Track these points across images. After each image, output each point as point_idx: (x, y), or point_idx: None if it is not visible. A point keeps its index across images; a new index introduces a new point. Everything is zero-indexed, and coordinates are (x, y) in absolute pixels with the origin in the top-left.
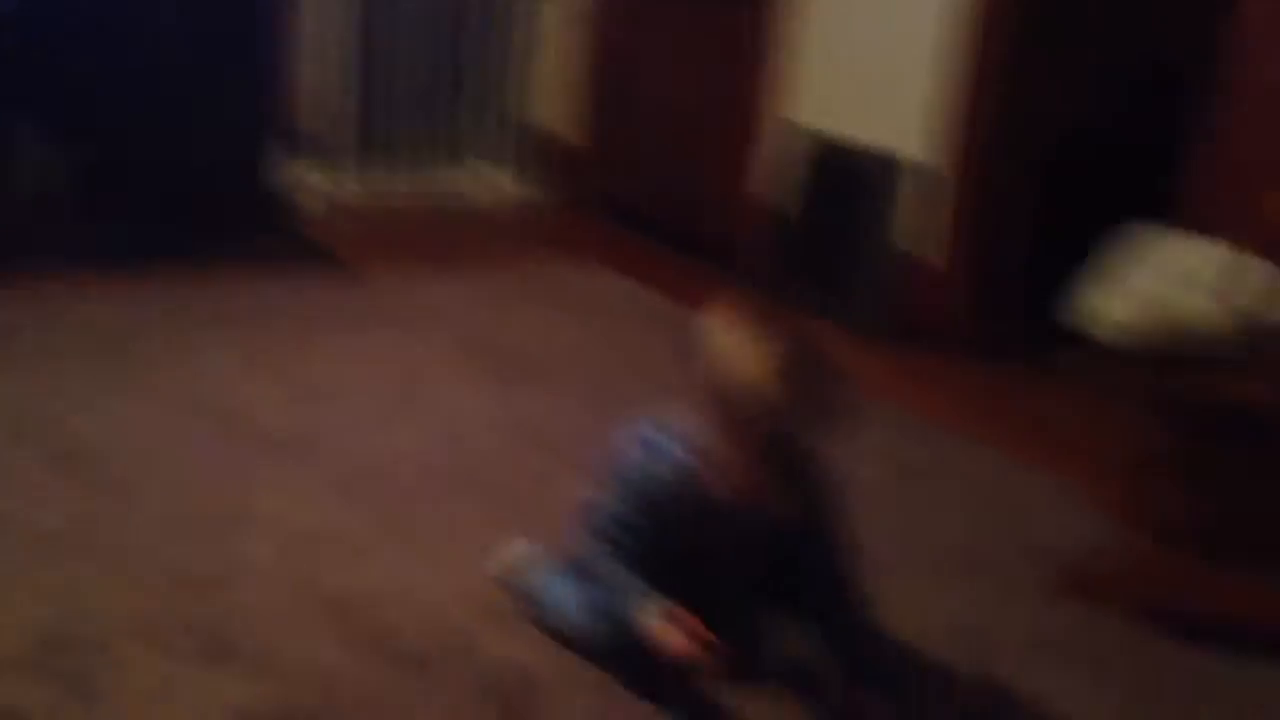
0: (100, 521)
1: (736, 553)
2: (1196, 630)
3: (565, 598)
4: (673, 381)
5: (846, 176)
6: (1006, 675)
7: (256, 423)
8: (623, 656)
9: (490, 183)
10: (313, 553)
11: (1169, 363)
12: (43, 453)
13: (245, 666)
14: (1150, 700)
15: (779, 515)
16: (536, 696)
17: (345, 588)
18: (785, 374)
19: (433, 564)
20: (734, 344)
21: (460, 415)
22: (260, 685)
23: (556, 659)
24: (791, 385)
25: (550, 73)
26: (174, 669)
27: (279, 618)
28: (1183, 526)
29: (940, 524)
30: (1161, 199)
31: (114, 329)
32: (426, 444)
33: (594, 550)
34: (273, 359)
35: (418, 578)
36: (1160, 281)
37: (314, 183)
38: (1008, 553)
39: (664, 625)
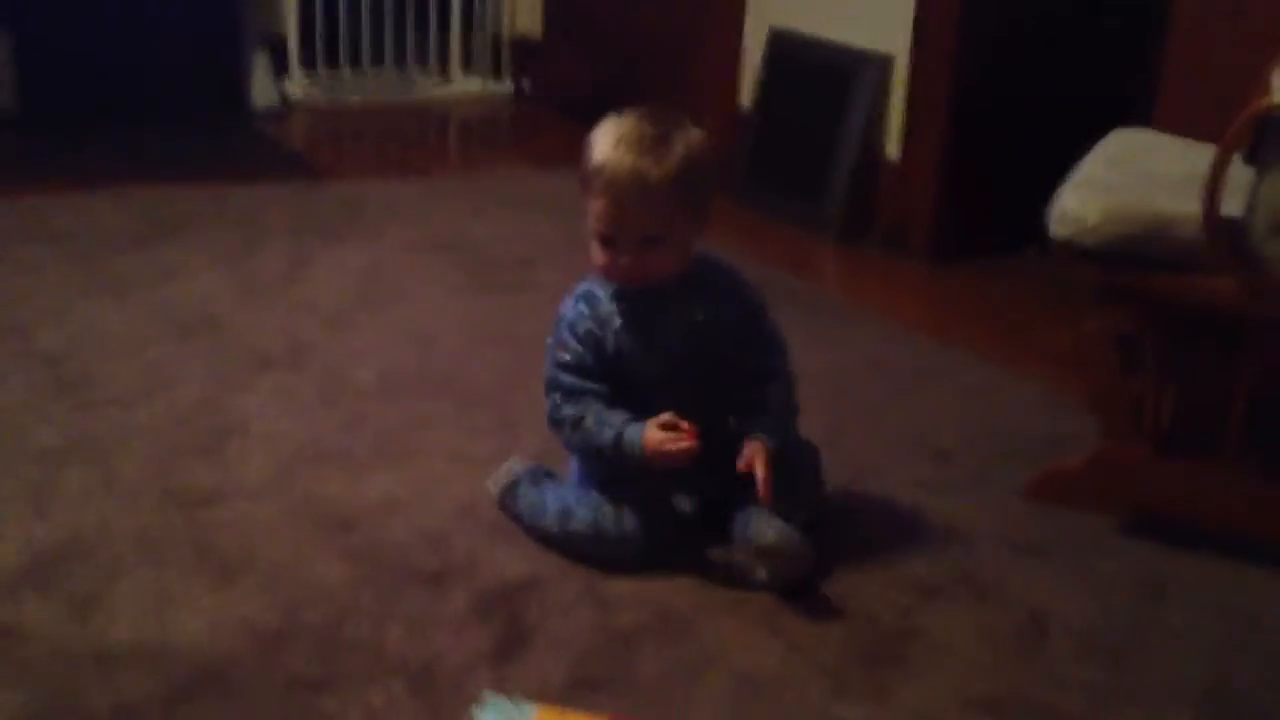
0: (93, 436)
1: (667, 352)
2: (1169, 528)
3: (559, 499)
4: None
5: (808, 74)
6: (985, 575)
7: (234, 332)
8: (617, 534)
9: (460, 87)
10: (308, 468)
11: (1141, 263)
12: (26, 364)
13: (248, 581)
14: (1124, 598)
15: (671, 282)
16: (541, 609)
17: (344, 503)
18: (635, 143)
19: (429, 479)
20: (603, 129)
21: (433, 318)
22: (265, 599)
23: (559, 571)
24: (640, 152)
25: None
26: (176, 584)
27: (280, 533)
28: (1152, 426)
29: (913, 427)
30: (1138, 99)
31: (83, 238)
32: (401, 351)
33: (568, 410)
34: (246, 266)
35: (414, 492)
36: (1134, 181)
37: (281, 87)
38: (982, 453)
39: (661, 434)
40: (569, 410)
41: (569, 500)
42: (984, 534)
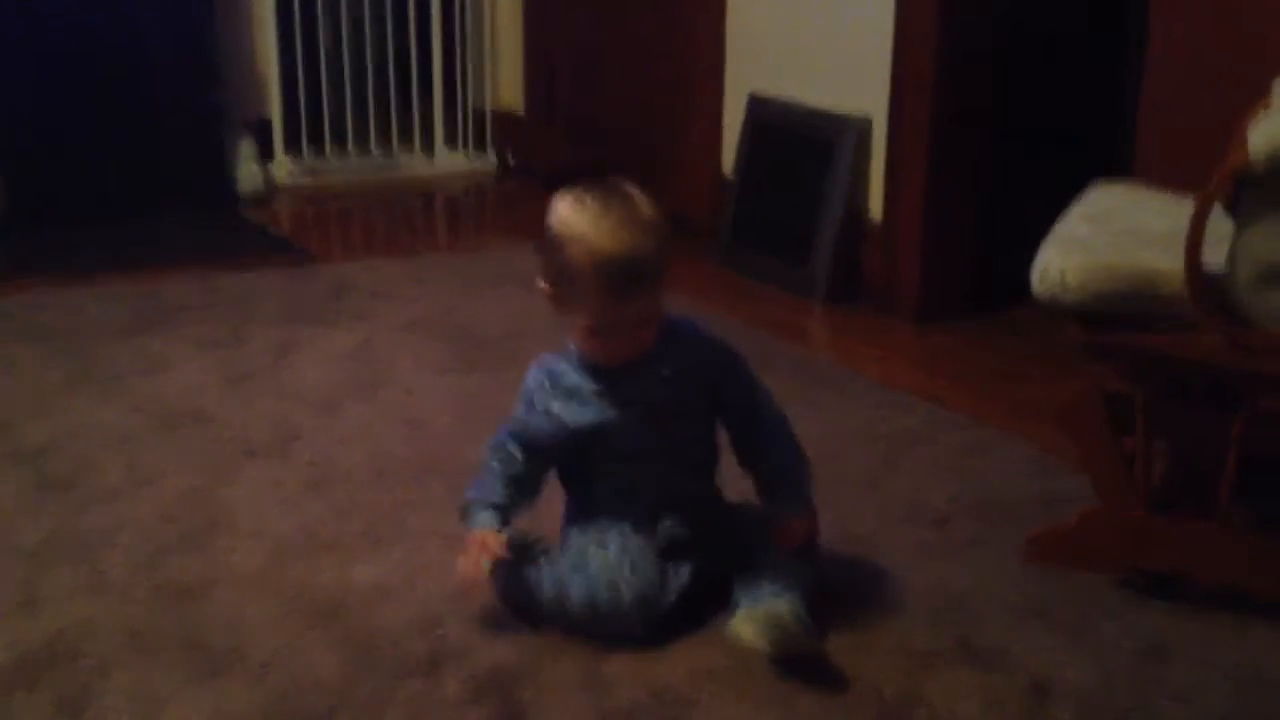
0: (79, 532)
1: (642, 427)
2: (1167, 586)
3: (553, 578)
4: None
5: (788, 138)
6: (986, 640)
7: (221, 423)
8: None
9: (443, 163)
10: (296, 557)
11: (1125, 320)
12: (12, 462)
13: (238, 675)
14: (1127, 661)
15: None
16: (537, 691)
17: (333, 592)
18: (601, 217)
19: (420, 563)
20: (563, 207)
21: (421, 400)
22: (255, 694)
23: (551, 652)
24: (608, 227)
25: (503, 51)
26: (165, 680)
27: (269, 625)
28: (1144, 484)
29: (907, 491)
30: (1118, 156)
31: (67, 332)
32: (391, 434)
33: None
34: (233, 354)
35: (403, 578)
36: (1114, 238)
37: (266, 171)
38: (978, 516)
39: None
40: (486, 461)
41: (562, 575)
42: (983, 598)
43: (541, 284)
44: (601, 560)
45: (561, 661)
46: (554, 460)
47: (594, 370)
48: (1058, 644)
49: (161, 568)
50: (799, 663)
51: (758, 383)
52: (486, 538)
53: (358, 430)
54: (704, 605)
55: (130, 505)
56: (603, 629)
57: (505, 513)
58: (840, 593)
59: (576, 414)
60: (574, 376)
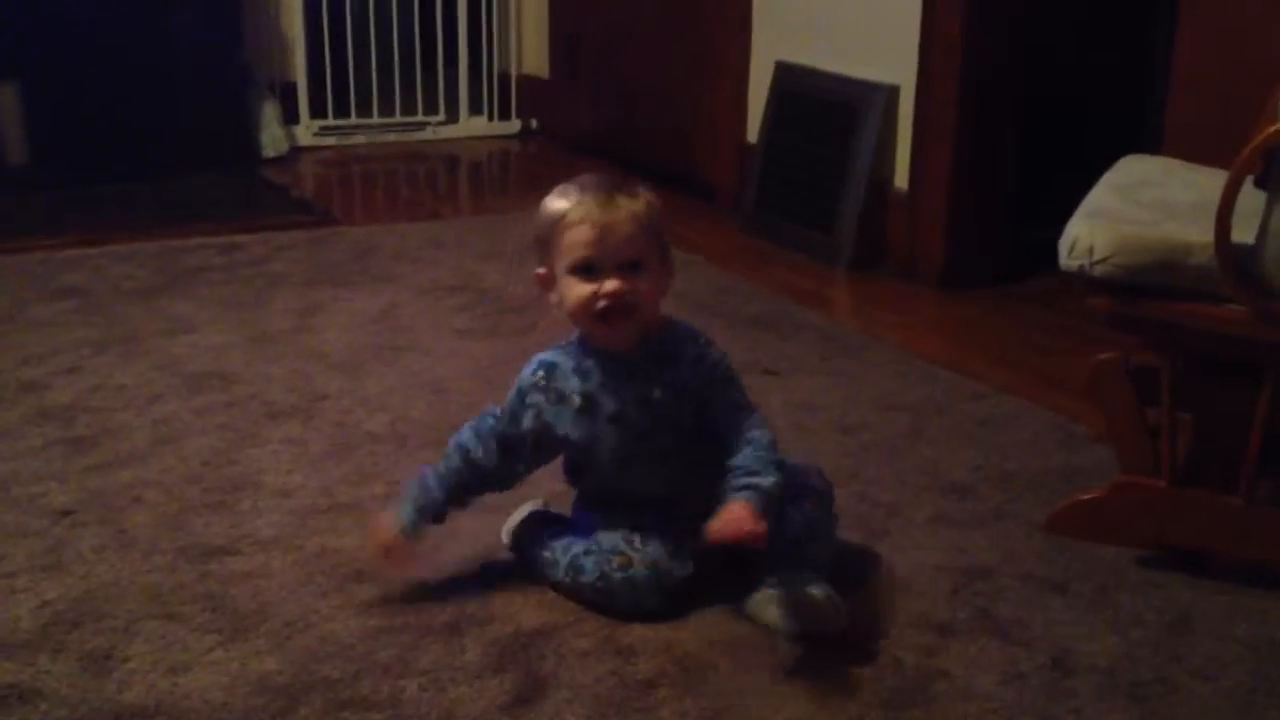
0: (105, 493)
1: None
2: (1190, 560)
3: (567, 552)
4: None
5: (814, 105)
6: (1006, 612)
7: (245, 385)
8: (629, 588)
9: (467, 128)
10: (319, 520)
11: (1153, 292)
12: (38, 422)
13: (263, 637)
14: (1148, 634)
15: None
16: (558, 658)
17: (355, 555)
18: (600, 185)
19: (441, 528)
20: (558, 190)
21: (442, 364)
22: (278, 656)
23: (572, 620)
24: (610, 189)
25: (528, 15)
26: (190, 640)
27: (292, 587)
28: (1169, 457)
29: (929, 461)
30: (1148, 126)
31: (91, 291)
32: (413, 398)
33: (457, 444)
34: (256, 316)
35: (428, 543)
36: (1144, 210)
37: (291, 134)
38: (1000, 487)
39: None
40: (457, 446)
41: (577, 552)
42: (1004, 570)
43: (536, 271)
44: (611, 538)
45: (582, 630)
46: (537, 462)
47: (589, 369)
48: (1079, 617)
49: (186, 529)
50: (819, 635)
51: (745, 403)
52: (382, 531)
53: (380, 393)
54: (717, 578)
55: (155, 466)
56: (616, 604)
57: (427, 515)
58: (860, 562)
59: (564, 424)
60: (570, 378)
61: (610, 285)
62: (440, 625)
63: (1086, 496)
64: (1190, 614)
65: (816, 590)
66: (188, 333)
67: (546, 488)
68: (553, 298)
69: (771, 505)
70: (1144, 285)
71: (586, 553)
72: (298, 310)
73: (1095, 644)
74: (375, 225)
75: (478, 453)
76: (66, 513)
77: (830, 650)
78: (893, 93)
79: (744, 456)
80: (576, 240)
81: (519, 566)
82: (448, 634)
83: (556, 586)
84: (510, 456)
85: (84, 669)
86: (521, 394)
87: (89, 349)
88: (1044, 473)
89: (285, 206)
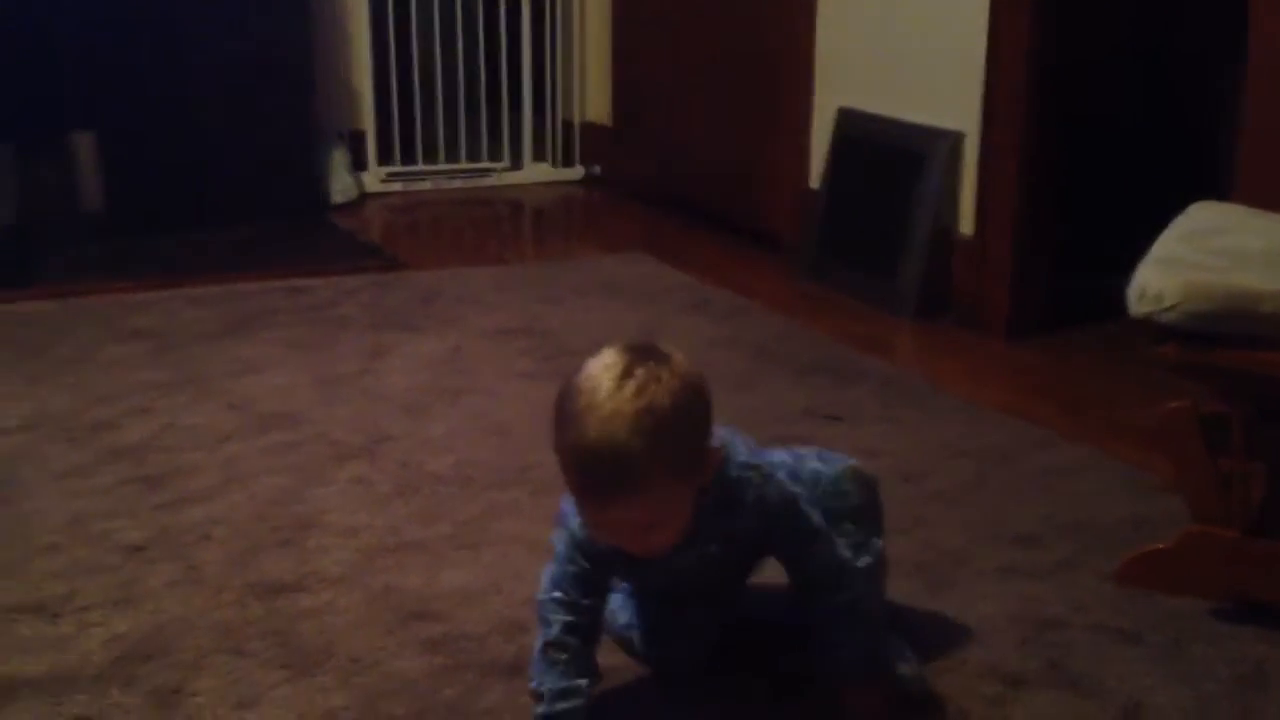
0: (176, 530)
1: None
2: (1264, 612)
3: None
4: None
5: (877, 152)
6: (1077, 664)
7: (311, 425)
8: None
9: (531, 174)
10: (385, 559)
11: (1223, 340)
12: (112, 460)
13: (329, 674)
14: (1222, 688)
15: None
16: (617, 700)
17: (420, 594)
18: (603, 397)
19: (505, 568)
20: (592, 363)
21: (506, 406)
22: (344, 693)
23: (633, 664)
24: (594, 489)
25: (591, 63)
26: (257, 676)
27: (358, 625)
28: (1240, 506)
29: (995, 510)
30: (1216, 173)
31: (163, 333)
32: (477, 440)
33: (547, 621)
34: (323, 358)
35: (489, 583)
36: (1213, 257)
37: (358, 180)
38: (1069, 537)
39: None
40: (549, 622)
41: (615, 608)
42: (1073, 620)
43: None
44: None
45: (643, 673)
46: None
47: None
48: (1151, 669)
49: (254, 566)
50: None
51: (808, 531)
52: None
53: (444, 435)
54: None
55: (224, 504)
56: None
57: (585, 688)
58: (928, 613)
59: (608, 575)
60: (601, 547)
61: (650, 544)
62: (503, 666)
63: (1157, 547)
64: (1264, 667)
65: (905, 668)
66: (256, 374)
67: None
68: None
69: (865, 666)
70: (1213, 333)
71: (618, 614)
72: (364, 352)
73: (1167, 696)
74: (440, 270)
75: (560, 617)
76: (138, 549)
77: (898, 701)
78: (957, 139)
79: (828, 613)
80: (578, 503)
81: None
82: (510, 675)
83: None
84: (584, 593)
85: (153, 702)
86: (570, 533)
87: (160, 390)
88: (1113, 522)
89: (353, 251)
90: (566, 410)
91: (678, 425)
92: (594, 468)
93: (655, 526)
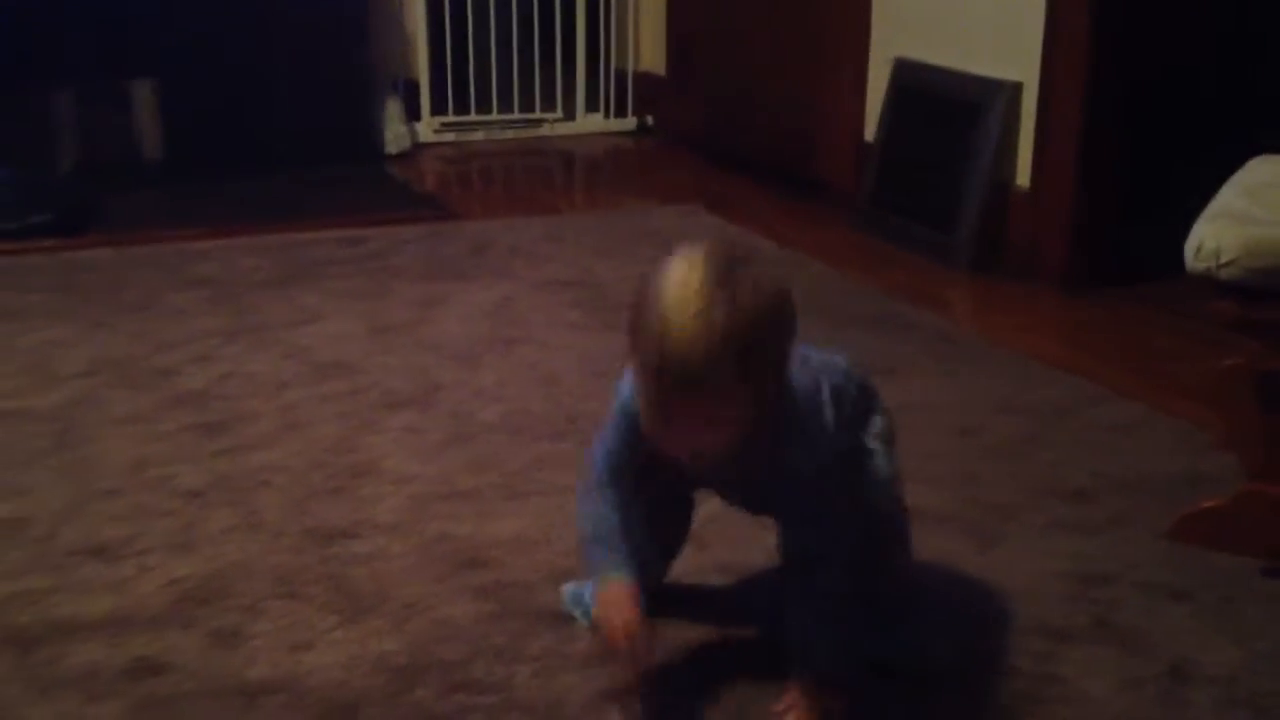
0: (235, 476)
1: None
2: None
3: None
4: None
5: (934, 103)
6: (1125, 620)
7: (366, 373)
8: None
9: (584, 125)
10: (437, 507)
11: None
12: (174, 407)
13: (382, 618)
14: (1270, 646)
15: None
16: (666, 649)
17: (471, 542)
18: (699, 314)
19: (555, 518)
20: (665, 281)
21: (556, 357)
22: (398, 636)
23: (685, 618)
24: (702, 330)
25: (645, 13)
26: (315, 621)
27: (411, 571)
28: None
29: (1048, 466)
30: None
31: (222, 282)
32: (527, 390)
33: (593, 503)
34: (378, 307)
35: (539, 532)
36: (1273, 213)
37: (413, 131)
38: (1121, 493)
39: (601, 609)
40: (593, 503)
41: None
42: (1123, 577)
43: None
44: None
45: (694, 627)
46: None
47: None
48: (1199, 627)
49: (310, 512)
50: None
51: (825, 516)
52: (621, 609)
53: (495, 385)
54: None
55: (281, 451)
56: None
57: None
58: (977, 566)
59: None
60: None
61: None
62: (552, 613)
63: (1210, 504)
64: None
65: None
66: (312, 323)
67: None
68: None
69: (834, 666)
70: (1272, 289)
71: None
72: (417, 302)
73: (1215, 654)
74: (493, 220)
75: (603, 507)
76: (197, 494)
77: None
78: (1015, 90)
79: (801, 611)
80: (643, 407)
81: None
82: (559, 623)
83: None
84: (625, 476)
85: (211, 644)
86: (624, 408)
87: (219, 337)
88: (1167, 479)
89: (407, 201)
90: (649, 303)
91: (757, 329)
92: (670, 357)
93: (712, 424)
